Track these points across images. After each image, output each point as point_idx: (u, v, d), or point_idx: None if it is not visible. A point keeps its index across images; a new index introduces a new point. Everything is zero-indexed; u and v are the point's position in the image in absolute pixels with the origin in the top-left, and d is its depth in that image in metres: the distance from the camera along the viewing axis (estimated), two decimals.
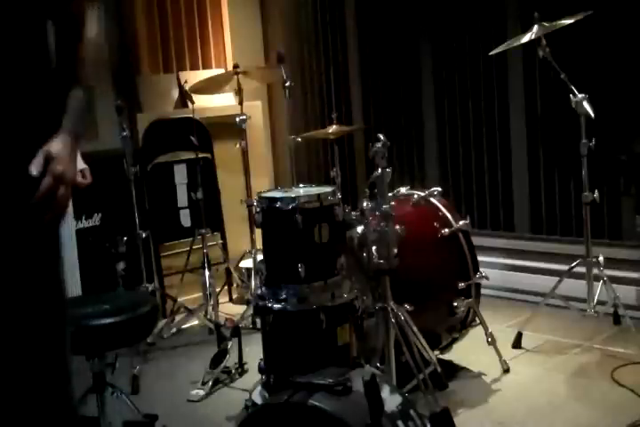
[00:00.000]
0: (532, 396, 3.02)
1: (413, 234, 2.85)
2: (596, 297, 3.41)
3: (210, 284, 4.04)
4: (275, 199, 2.66)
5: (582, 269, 3.44)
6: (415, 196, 3.25)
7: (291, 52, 5.22)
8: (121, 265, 3.59)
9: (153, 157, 4.44)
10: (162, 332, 3.94)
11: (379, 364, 2.64)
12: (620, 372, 3.13)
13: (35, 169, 1.48)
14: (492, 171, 4.43)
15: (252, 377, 3.12)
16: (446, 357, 3.31)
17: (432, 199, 3.25)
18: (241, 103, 4.18)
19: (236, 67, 4.15)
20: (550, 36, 3.30)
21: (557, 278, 3.52)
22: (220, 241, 4.60)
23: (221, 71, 4.90)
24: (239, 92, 4.14)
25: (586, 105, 3.23)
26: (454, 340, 3.26)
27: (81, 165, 2.96)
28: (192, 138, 3.96)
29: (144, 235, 3.80)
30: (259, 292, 2.75)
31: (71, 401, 1.63)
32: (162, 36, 4.98)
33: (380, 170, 2.64)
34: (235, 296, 4.69)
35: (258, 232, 3.15)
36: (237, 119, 4.06)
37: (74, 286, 3.86)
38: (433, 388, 2.77)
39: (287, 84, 3.87)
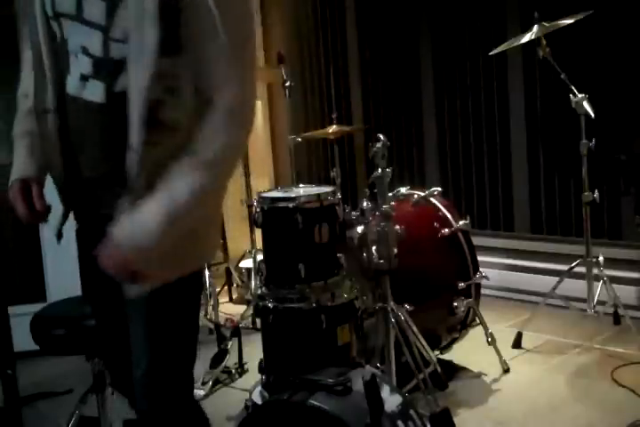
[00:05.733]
0: (532, 396, 3.01)
1: (413, 234, 2.85)
2: (596, 297, 3.41)
3: (210, 284, 4.04)
4: (275, 199, 2.65)
5: (582, 269, 3.44)
6: (415, 196, 3.25)
7: (291, 52, 5.22)
8: None
9: None
10: None
11: (379, 364, 2.64)
12: (620, 372, 3.13)
13: None
14: (492, 171, 4.43)
15: (252, 377, 3.12)
16: (446, 357, 3.30)
17: (432, 199, 3.25)
18: None
19: None
20: (550, 36, 3.30)
21: (557, 278, 3.52)
22: (220, 241, 4.60)
23: None
24: None
25: (586, 105, 3.23)
26: (454, 340, 3.26)
27: None
28: None
29: None
30: (259, 292, 2.75)
31: None
32: None
33: (379, 170, 2.64)
34: (235, 296, 4.68)
35: (258, 232, 3.15)
36: None
37: (74, 286, 3.87)
38: (433, 388, 2.77)
39: (287, 84, 3.88)
